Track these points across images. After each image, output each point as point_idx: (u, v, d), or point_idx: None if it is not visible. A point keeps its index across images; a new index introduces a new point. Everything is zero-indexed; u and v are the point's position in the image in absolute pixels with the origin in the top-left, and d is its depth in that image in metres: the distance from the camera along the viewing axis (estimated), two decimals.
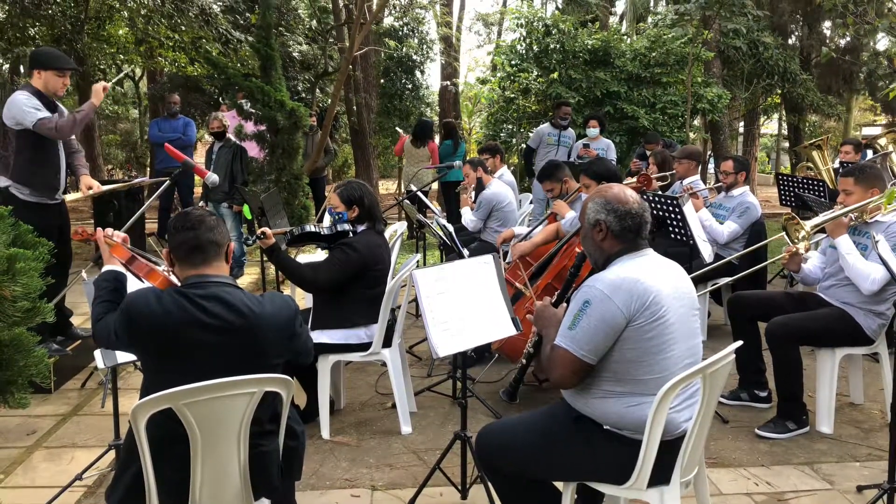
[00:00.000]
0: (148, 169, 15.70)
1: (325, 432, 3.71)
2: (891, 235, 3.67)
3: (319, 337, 3.59)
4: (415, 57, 12.49)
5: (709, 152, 16.00)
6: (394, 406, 3.84)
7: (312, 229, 3.70)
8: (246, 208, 5.44)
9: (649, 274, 2.34)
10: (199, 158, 13.77)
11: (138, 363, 3.12)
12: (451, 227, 4.35)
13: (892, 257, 3.02)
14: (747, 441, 3.68)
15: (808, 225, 3.97)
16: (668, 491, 2.32)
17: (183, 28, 11.06)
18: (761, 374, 4.10)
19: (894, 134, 7.74)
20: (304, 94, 13.11)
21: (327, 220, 3.77)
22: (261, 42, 7.42)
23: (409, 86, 12.63)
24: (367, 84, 12.88)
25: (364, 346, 3.70)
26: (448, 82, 14.66)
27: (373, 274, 3.67)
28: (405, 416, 3.78)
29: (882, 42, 16.41)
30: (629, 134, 9.96)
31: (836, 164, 7.24)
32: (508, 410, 3.83)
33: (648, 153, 7.62)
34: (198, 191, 9.53)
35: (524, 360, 2.77)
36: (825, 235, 3.98)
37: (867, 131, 20.37)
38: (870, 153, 7.54)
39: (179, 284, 2.32)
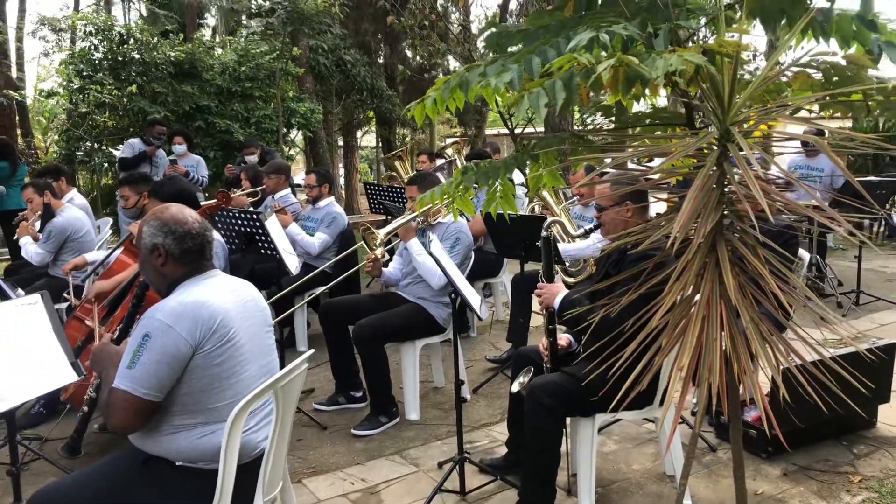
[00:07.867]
0: None
1: None
2: (449, 235, 4.17)
3: None
4: None
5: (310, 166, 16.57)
6: None
7: None
8: None
9: (216, 296, 2.25)
10: None
11: None
12: None
13: (443, 254, 3.40)
14: (345, 443, 3.81)
15: (382, 232, 4.30)
16: None
17: None
18: (355, 375, 4.30)
19: (458, 144, 8.96)
20: None
21: None
22: None
23: None
24: None
25: None
26: None
27: None
28: None
29: (454, 63, 18.72)
30: (224, 148, 9.76)
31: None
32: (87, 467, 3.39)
33: (246, 158, 7.56)
34: None
35: (86, 408, 2.47)
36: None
37: (450, 141, 23.21)
38: (439, 162, 8.54)
39: None
